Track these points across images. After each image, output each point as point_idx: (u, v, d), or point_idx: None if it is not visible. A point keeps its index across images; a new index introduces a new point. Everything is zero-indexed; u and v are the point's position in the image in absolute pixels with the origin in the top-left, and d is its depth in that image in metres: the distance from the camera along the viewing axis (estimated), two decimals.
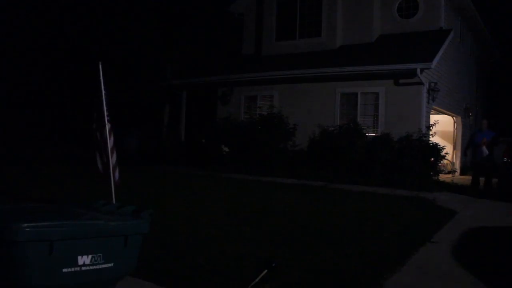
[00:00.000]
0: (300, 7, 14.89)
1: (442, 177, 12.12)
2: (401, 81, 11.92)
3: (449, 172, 14.40)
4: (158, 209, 5.68)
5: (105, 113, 4.89)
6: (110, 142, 4.87)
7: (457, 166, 15.37)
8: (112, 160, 4.90)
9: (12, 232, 2.45)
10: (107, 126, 4.89)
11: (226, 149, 13.39)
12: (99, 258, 2.77)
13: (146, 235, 3.08)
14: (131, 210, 3.23)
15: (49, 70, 21.08)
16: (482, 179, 10.35)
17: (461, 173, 15.19)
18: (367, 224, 6.25)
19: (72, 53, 20.18)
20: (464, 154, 11.98)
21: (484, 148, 9.97)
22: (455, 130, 15.62)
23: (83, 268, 2.70)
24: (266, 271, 3.72)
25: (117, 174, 4.97)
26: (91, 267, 2.73)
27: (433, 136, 11.60)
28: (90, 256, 2.73)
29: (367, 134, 11.95)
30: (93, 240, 2.74)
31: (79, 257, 2.68)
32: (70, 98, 19.75)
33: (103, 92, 4.91)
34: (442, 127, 13.82)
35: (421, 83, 11.56)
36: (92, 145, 5.08)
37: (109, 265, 2.82)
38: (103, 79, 4.95)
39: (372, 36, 13.81)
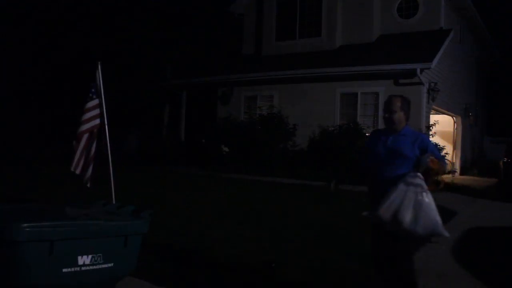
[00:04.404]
0: (300, 7, 14.88)
1: (442, 177, 12.10)
2: (401, 81, 11.91)
3: (449, 172, 14.39)
4: (158, 209, 5.68)
5: (104, 113, 4.89)
6: (107, 144, 4.88)
7: (457, 166, 15.37)
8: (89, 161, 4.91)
9: (12, 232, 2.46)
10: (106, 127, 4.90)
11: (226, 149, 13.38)
12: (99, 258, 2.77)
13: (146, 235, 3.08)
14: (131, 210, 3.24)
15: (49, 70, 21.07)
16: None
17: (461, 173, 15.20)
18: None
19: (72, 53, 20.17)
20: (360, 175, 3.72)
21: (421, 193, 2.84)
22: (455, 130, 15.63)
23: (83, 268, 2.70)
24: (267, 269, 3.72)
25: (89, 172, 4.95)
26: (91, 267, 2.73)
27: (433, 136, 11.59)
28: (90, 256, 2.73)
29: (367, 134, 11.95)
30: (93, 240, 2.74)
31: (79, 257, 2.69)
32: (70, 98, 19.72)
33: (102, 92, 4.91)
34: (442, 127, 13.81)
35: (421, 83, 11.56)
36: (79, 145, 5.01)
37: (109, 265, 2.82)
38: (102, 79, 4.95)
39: (372, 36, 13.81)
